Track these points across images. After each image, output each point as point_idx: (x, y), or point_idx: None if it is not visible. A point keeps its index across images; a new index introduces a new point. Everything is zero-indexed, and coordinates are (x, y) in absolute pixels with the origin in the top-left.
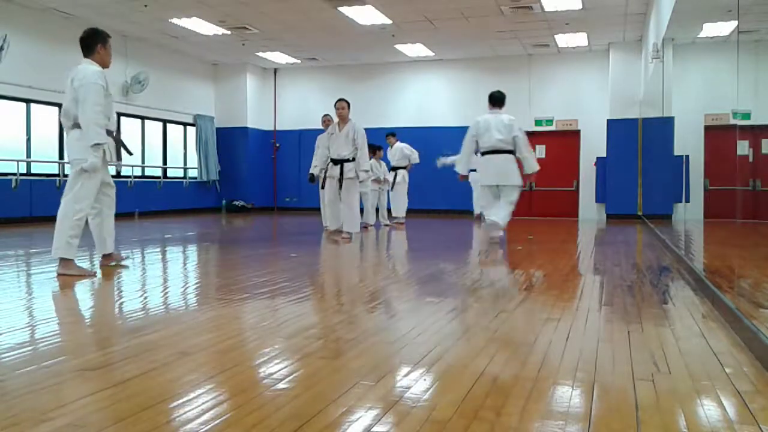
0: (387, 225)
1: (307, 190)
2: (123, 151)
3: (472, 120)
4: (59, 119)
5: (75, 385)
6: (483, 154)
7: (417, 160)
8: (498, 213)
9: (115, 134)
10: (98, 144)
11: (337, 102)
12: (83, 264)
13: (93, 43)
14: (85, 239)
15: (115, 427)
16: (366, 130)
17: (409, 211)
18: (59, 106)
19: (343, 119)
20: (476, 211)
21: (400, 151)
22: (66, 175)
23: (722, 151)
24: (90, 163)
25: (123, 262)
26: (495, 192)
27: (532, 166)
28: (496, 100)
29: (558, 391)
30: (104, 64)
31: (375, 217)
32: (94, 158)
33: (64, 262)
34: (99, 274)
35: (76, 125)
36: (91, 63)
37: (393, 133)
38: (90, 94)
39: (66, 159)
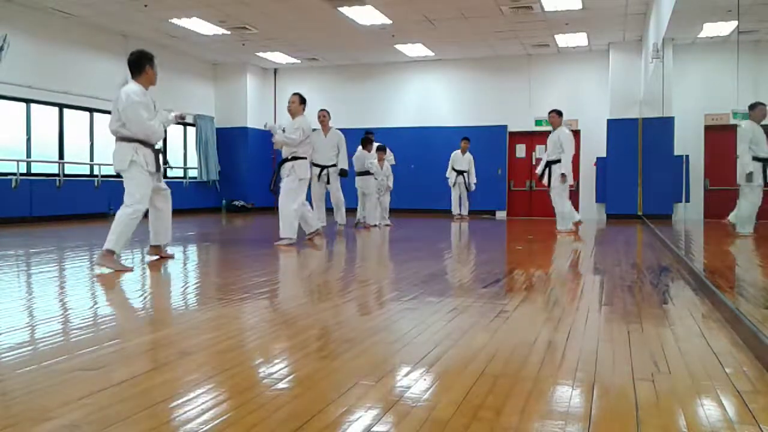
0: (387, 225)
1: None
2: (162, 162)
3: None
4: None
5: (75, 385)
6: None
7: (393, 162)
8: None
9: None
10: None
11: (319, 111)
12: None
13: (140, 64)
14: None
15: (115, 427)
16: (366, 130)
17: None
18: (59, 106)
19: (325, 126)
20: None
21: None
22: (66, 175)
23: (722, 151)
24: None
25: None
26: None
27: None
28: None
29: (558, 391)
30: (150, 83)
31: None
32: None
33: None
34: (104, 275)
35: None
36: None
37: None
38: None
39: (66, 159)
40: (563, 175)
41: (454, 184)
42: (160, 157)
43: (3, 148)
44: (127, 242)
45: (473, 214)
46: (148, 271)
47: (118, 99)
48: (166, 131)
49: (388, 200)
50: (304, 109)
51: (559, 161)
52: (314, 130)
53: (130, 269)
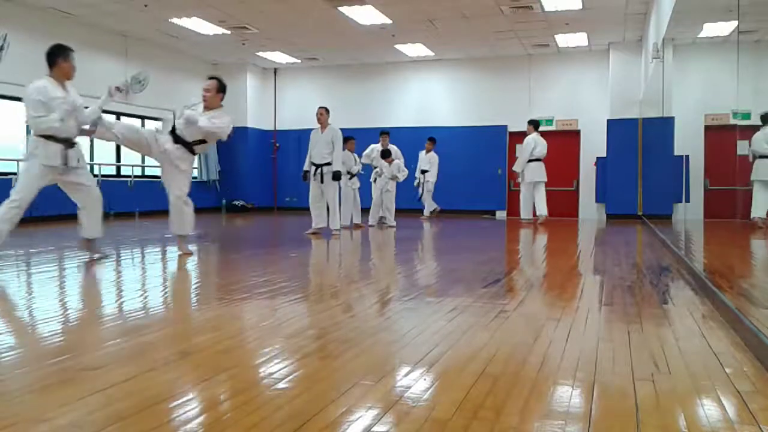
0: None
1: (308, 190)
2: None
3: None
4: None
5: (75, 385)
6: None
7: (405, 173)
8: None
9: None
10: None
11: (318, 109)
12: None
13: (52, 58)
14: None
15: (115, 427)
16: (366, 130)
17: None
18: None
19: (323, 124)
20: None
21: (394, 153)
22: None
23: (722, 151)
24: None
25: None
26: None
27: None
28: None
29: (558, 391)
30: (66, 77)
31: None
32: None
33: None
34: (105, 275)
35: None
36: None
37: (387, 132)
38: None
39: None
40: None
41: (419, 184)
42: (72, 152)
43: (3, 148)
44: (4, 236)
45: (474, 214)
46: (148, 271)
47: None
48: (98, 121)
49: (389, 200)
50: (222, 99)
51: (537, 160)
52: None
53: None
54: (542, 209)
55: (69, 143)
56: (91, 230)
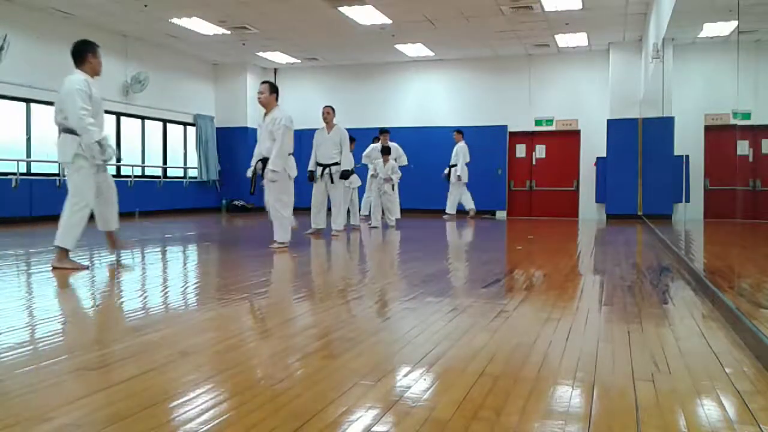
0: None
1: (308, 190)
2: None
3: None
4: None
5: (75, 385)
6: None
7: (404, 162)
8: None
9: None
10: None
11: (323, 108)
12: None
13: (81, 54)
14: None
15: (115, 427)
16: (366, 130)
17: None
18: None
19: (329, 124)
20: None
21: (395, 151)
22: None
23: (722, 151)
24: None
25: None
26: None
27: None
28: None
29: (558, 391)
30: (95, 73)
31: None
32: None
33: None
34: (104, 275)
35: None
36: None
37: (387, 131)
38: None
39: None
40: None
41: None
42: (105, 149)
43: (3, 148)
44: (78, 237)
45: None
46: (148, 271)
47: (60, 89)
48: (165, 126)
49: (387, 200)
50: (277, 99)
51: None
52: (317, 129)
53: (85, 267)
54: (472, 204)
55: (100, 142)
56: (112, 222)
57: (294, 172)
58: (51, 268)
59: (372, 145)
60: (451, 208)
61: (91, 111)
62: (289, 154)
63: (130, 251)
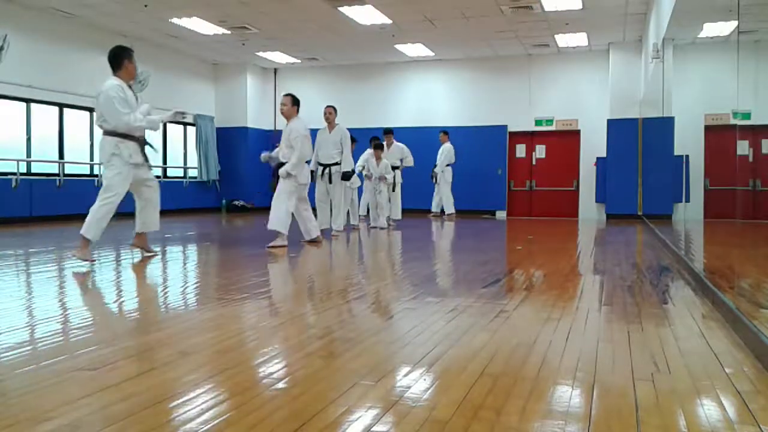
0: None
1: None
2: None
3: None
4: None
5: (75, 385)
6: None
7: (411, 163)
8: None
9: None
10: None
11: (325, 108)
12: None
13: (119, 59)
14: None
15: (115, 427)
16: (366, 130)
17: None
18: (59, 105)
19: (330, 124)
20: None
21: (400, 151)
22: (66, 175)
23: (722, 151)
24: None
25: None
26: None
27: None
28: None
29: (558, 391)
30: (130, 77)
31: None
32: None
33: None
34: (105, 275)
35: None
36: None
37: (390, 131)
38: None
39: (66, 159)
40: (437, 173)
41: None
42: (146, 149)
43: (3, 148)
44: (101, 231)
45: (474, 214)
46: (148, 271)
47: (98, 95)
48: (165, 126)
49: (384, 199)
50: (298, 111)
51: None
52: (318, 129)
53: (92, 260)
54: (452, 208)
55: (143, 141)
56: (151, 225)
57: (304, 180)
58: (72, 255)
59: (369, 150)
60: (437, 207)
61: (131, 112)
62: (306, 162)
63: (145, 253)
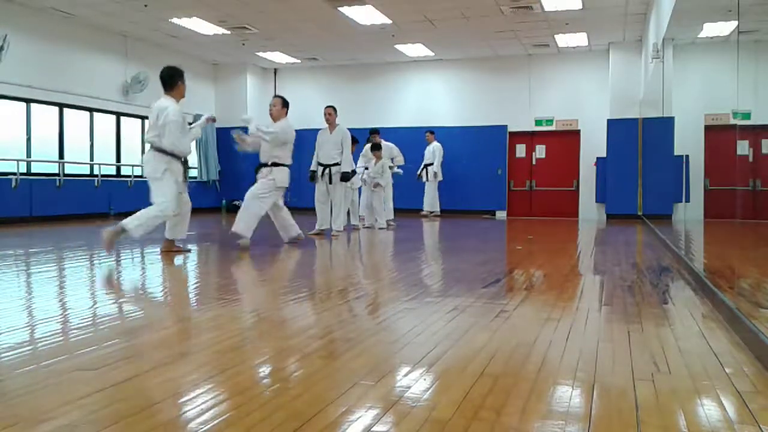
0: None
1: (307, 191)
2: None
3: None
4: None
5: (75, 385)
6: None
7: (401, 162)
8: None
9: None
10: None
11: (325, 108)
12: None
13: (173, 80)
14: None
15: (115, 427)
16: (366, 130)
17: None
18: (59, 106)
19: (331, 124)
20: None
21: (389, 151)
22: (66, 175)
23: (722, 151)
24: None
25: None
26: None
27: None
28: None
29: (558, 391)
30: (181, 96)
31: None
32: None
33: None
34: (105, 275)
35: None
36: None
37: (377, 131)
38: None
39: (66, 159)
40: (435, 173)
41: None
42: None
43: (3, 148)
44: (144, 234)
45: (474, 214)
46: (148, 272)
47: (158, 111)
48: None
49: (374, 200)
50: (286, 113)
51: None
52: (319, 129)
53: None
54: (438, 207)
55: (186, 161)
56: (180, 232)
57: (282, 183)
58: (102, 236)
59: (366, 146)
60: (429, 206)
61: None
62: (287, 166)
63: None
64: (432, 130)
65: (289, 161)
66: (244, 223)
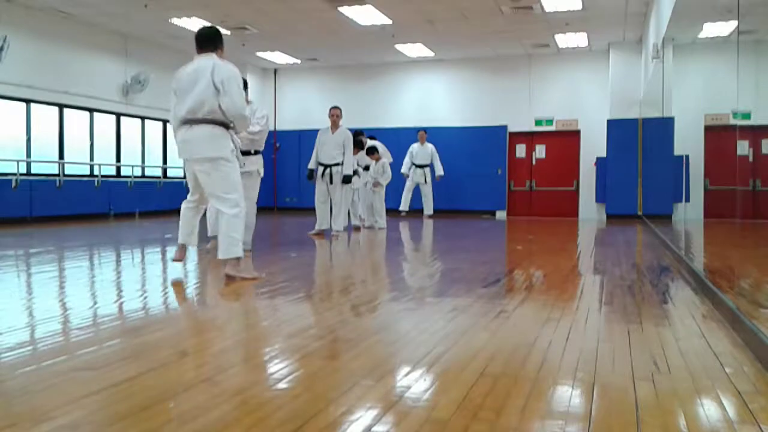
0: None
1: (307, 191)
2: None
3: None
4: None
5: (75, 385)
6: None
7: (390, 160)
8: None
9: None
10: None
11: (331, 108)
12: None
13: (220, 39)
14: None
15: (115, 427)
16: (366, 130)
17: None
18: (59, 106)
19: (335, 125)
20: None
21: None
22: (66, 175)
23: (722, 151)
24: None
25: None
26: None
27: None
28: None
29: (558, 391)
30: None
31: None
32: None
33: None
34: (106, 274)
35: (205, 120)
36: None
37: (361, 132)
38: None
39: (66, 159)
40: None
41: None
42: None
43: (3, 148)
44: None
45: (474, 214)
46: (148, 272)
47: (199, 73)
48: (165, 126)
49: (376, 200)
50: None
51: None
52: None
53: (261, 277)
54: (406, 206)
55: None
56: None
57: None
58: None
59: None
60: (430, 208)
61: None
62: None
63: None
64: (425, 130)
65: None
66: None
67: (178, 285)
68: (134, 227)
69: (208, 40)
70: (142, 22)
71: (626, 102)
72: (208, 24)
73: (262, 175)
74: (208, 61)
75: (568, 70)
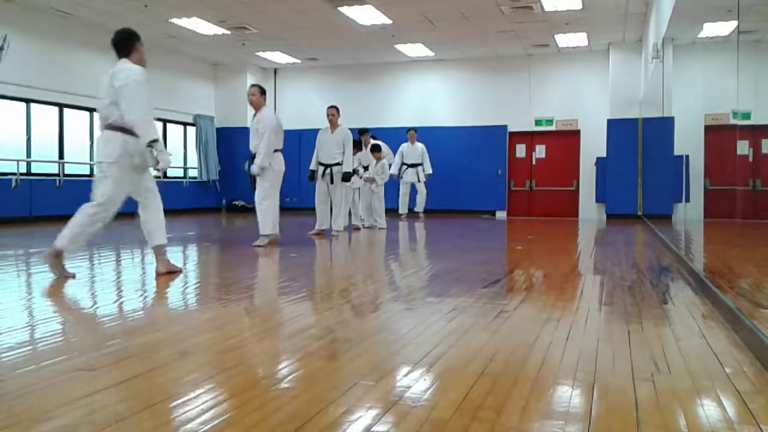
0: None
1: (307, 191)
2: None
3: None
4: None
5: (75, 385)
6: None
7: (392, 160)
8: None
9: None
10: (156, 140)
11: (327, 108)
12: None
13: (129, 43)
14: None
15: (115, 427)
16: (365, 130)
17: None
18: (59, 106)
19: (333, 124)
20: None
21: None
22: (66, 175)
23: (722, 151)
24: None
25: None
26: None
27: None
28: None
29: (558, 391)
30: (141, 64)
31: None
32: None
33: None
34: (107, 275)
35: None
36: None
37: (366, 130)
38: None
39: (66, 159)
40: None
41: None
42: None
43: (3, 148)
44: (81, 246)
45: (474, 214)
46: (147, 272)
47: (112, 76)
48: (165, 126)
49: (374, 200)
50: (265, 101)
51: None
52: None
53: (72, 275)
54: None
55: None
56: (159, 235)
57: (279, 167)
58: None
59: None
60: (420, 207)
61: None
62: (276, 151)
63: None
64: (415, 129)
65: (281, 145)
66: (271, 222)
67: (179, 284)
68: (134, 227)
69: (117, 48)
70: (142, 22)
71: (626, 102)
72: (207, 24)
73: (278, 169)
74: (116, 68)
75: (568, 70)
